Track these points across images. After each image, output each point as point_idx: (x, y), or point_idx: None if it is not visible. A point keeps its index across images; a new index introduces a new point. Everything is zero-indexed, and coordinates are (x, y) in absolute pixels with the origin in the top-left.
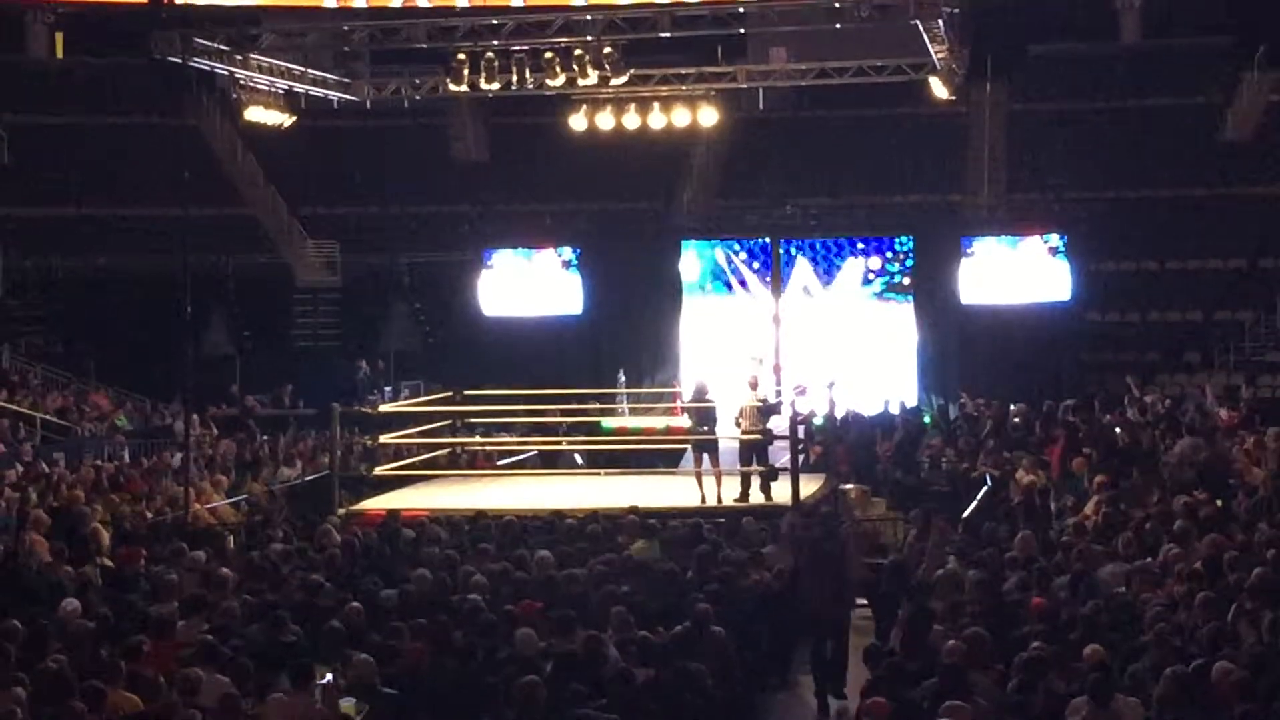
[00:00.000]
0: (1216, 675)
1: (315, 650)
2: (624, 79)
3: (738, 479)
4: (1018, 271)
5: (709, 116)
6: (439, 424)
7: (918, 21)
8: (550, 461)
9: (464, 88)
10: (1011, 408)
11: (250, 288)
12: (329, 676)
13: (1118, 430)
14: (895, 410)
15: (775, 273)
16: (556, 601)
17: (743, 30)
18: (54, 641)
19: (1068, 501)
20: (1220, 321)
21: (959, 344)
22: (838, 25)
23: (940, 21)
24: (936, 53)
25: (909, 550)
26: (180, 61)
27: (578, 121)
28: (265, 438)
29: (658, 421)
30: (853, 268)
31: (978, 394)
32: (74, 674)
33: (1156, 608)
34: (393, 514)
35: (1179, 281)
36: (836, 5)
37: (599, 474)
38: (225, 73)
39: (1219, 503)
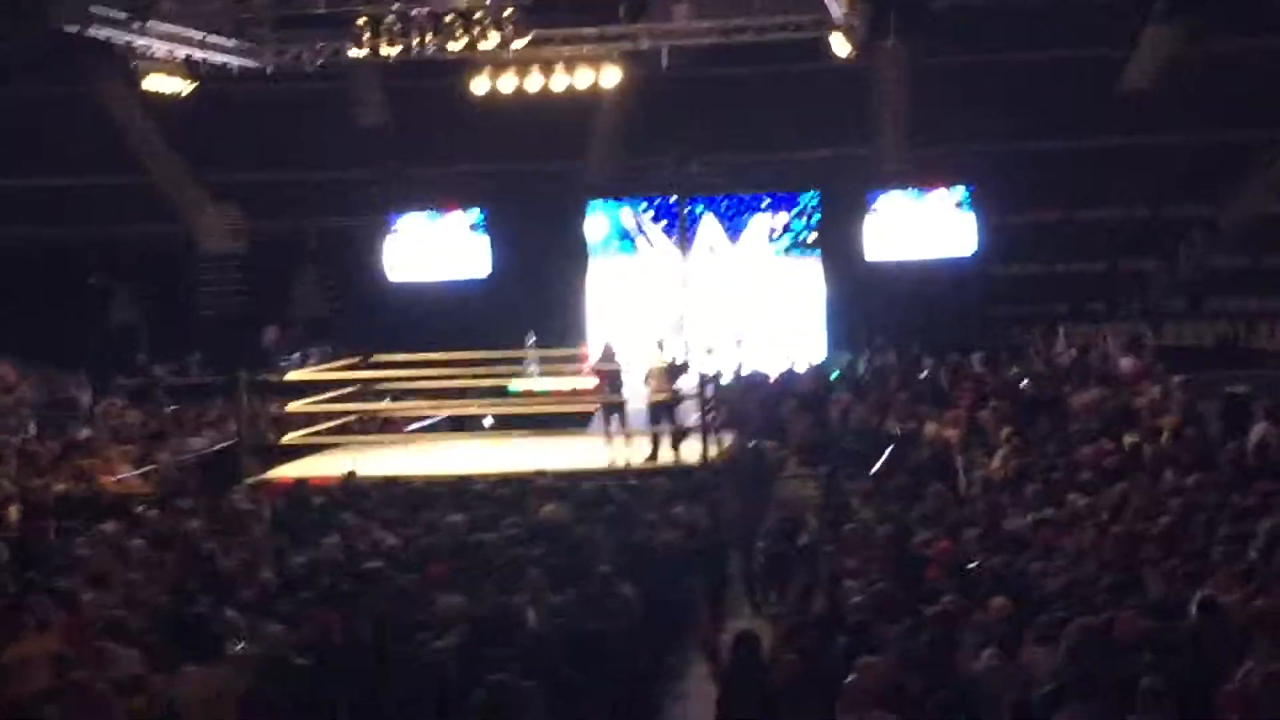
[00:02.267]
0: (1122, 625)
1: (225, 621)
2: (525, 41)
3: (647, 439)
4: (923, 225)
5: (612, 76)
6: (347, 390)
7: None
8: (459, 425)
9: (365, 52)
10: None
11: (154, 257)
12: (240, 645)
13: (1024, 382)
14: (802, 368)
15: (681, 231)
16: (467, 566)
17: None
18: None
19: (976, 454)
20: (1124, 271)
21: (865, 299)
22: None
23: None
24: (837, 9)
25: (818, 503)
26: (78, 30)
27: (480, 84)
28: (172, 407)
29: (566, 383)
30: (759, 224)
31: (889, 348)
32: None
33: (1063, 559)
34: (300, 482)
35: (1083, 232)
36: None
37: (508, 437)
38: (123, 41)
39: (1125, 452)
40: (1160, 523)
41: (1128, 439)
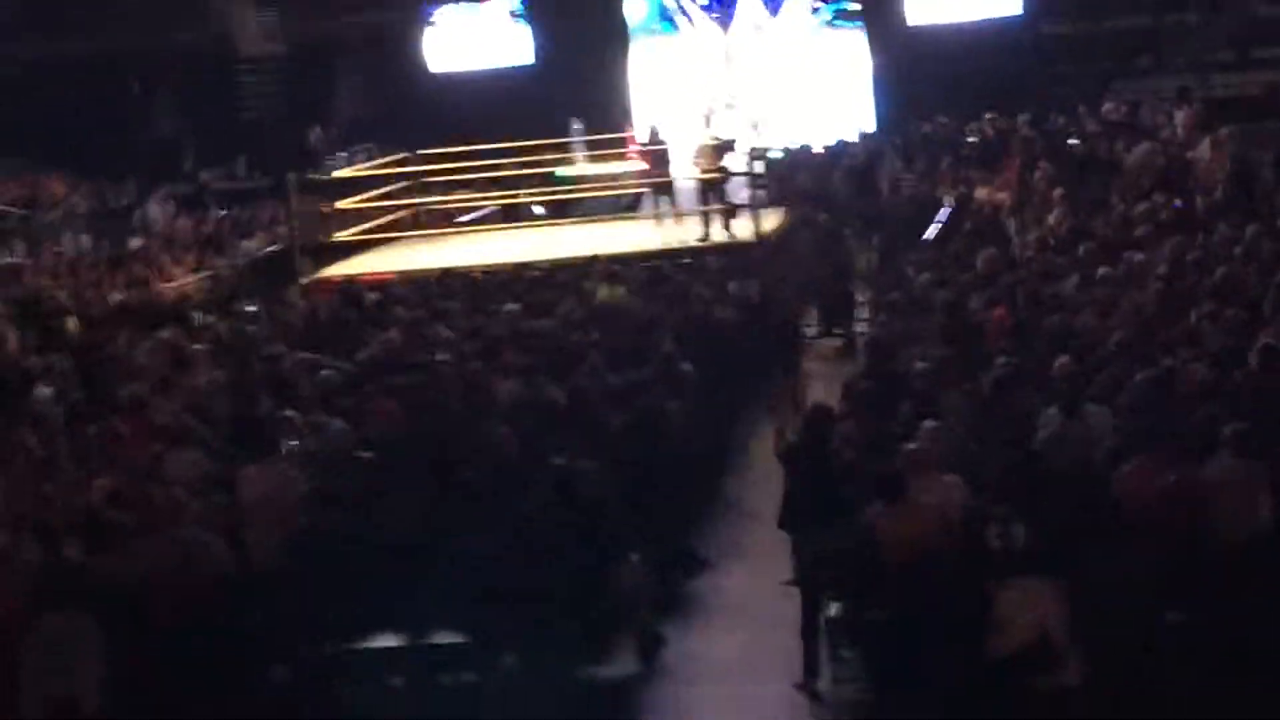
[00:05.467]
0: (1184, 377)
1: (285, 421)
2: None
3: (698, 218)
4: None
5: None
6: (396, 185)
7: None
8: (511, 215)
9: None
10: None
11: (192, 64)
12: (294, 443)
13: (1073, 141)
14: (854, 139)
15: (722, 8)
16: (526, 352)
17: None
18: (28, 429)
19: (1028, 217)
20: (1169, 24)
21: (911, 66)
22: None
23: None
24: None
25: (872, 273)
26: None
27: None
28: (223, 212)
29: (614, 167)
30: None
31: (938, 114)
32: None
33: (1121, 314)
34: (350, 279)
35: None
36: None
37: (560, 224)
38: None
39: (1178, 206)
40: (1216, 274)
41: (1180, 193)
